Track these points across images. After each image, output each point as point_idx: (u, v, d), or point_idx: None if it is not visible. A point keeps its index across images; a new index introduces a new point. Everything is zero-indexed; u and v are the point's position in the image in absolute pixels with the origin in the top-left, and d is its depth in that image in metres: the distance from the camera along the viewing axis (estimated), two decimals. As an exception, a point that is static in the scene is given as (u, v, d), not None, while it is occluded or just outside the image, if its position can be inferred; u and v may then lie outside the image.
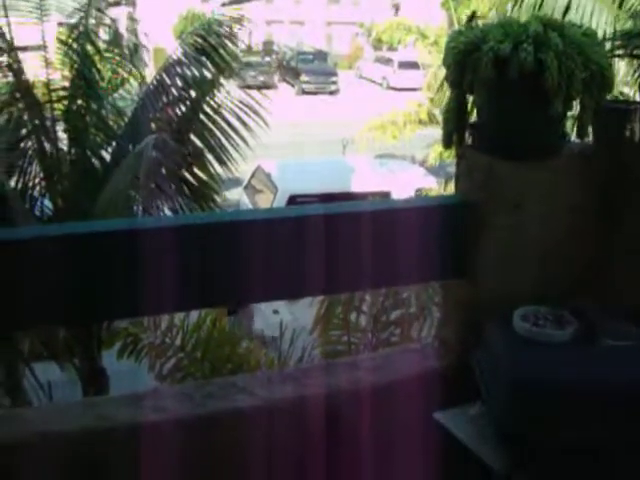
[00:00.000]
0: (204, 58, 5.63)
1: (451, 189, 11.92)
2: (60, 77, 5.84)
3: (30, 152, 5.68)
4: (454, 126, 1.97)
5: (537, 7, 6.52)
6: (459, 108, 1.97)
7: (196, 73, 5.64)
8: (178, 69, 5.64)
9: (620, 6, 6.63)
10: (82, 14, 5.88)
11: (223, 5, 5.31)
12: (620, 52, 2.78)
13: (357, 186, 13.85)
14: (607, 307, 1.96)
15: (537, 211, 2.00)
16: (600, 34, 6.07)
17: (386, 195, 13.83)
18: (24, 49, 5.67)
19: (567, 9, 6.44)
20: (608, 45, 2.72)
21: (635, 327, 1.86)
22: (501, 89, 1.83)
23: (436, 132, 11.77)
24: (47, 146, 5.69)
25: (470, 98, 1.98)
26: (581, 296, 2.01)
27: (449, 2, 22.22)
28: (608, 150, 2.16)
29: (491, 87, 1.86)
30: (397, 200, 9.27)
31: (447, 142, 2.01)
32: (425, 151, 15.87)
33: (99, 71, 5.95)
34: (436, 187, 13.73)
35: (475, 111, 1.97)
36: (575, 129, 2.15)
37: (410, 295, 5.46)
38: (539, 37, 1.82)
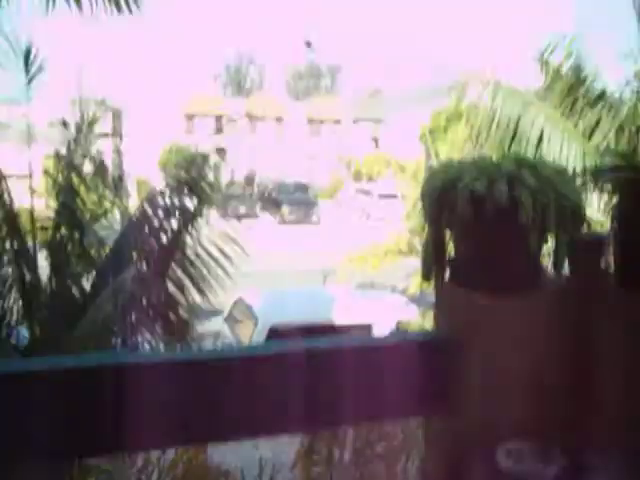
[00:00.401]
0: (187, 190, 5.72)
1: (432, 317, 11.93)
2: (45, 205, 5.91)
3: (10, 280, 5.66)
4: (433, 261, 2.00)
5: (510, 141, 6.78)
6: (437, 243, 2.01)
7: (178, 204, 5.72)
8: (161, 200, 5.72)
9: (589, 139, 6.92)
10: (69, 145, 6.02)
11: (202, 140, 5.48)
12: (590, 187, 2.87)
13: (338, 317, 13.81)
14: (597, 445, 1.92)
15: (518, 343, 1.99)
16: (570, 166, 6.33)
17: (367, 328, 13.77)
18: (10, 177, 5.76)
19: (539, 142, 6.69)
20: (579, 180, 2.82)
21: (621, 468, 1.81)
22: (477, 225, 1.88)
23: (416, 262, 11.89)
24: (27, 274, 5.68)
25: (448, 233, 2.02)
26: (571, 430, 1.97)
27: (426, 136, 23.11)
28: (585, 282, 2.18)
29: (468, 223, 1.90)
30: (378, 337, 9.24)
31: (427, 276, 2.03)
32: (406, 281, 15.97)
33: (83, 201, 6.03)
34: (418, 318, 13.73)
35: (453, 246, 2.01)
36: (551, 262, 2.18)
37: (395, 427, 5.33)
38: (513, 175, 1.88)
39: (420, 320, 13.56)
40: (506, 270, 1.96)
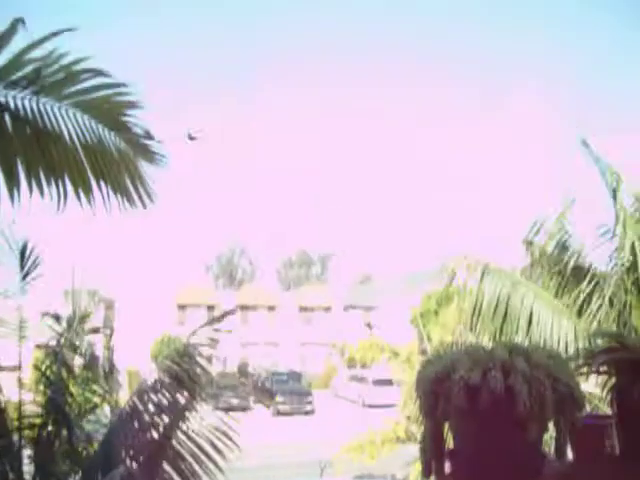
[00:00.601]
0: (178, 383, 5.65)
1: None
2: (32, 399, 5.80)
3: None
4: (432, 455, 1.95)
5: (501, 322, 6.80)
6: (435, 437, 1.97)
7: (170, 398, 5.62)
8: (152, 395, 5.63)
9: (579, 315, 6.95)
10: (59, 340, 6.01)
11: (196, 332, 5.49)
12: (585, 370, 2.85)
13: (336, 511, 13.21)
14: None
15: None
16: (562, 344, 6.31)
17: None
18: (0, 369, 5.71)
19: (530, 322, 6.71)
20: (573, 363, 2.81)
21: None
22: (474, 416, 1.85)
23: (415, 449, 11.54)
24: (10, 474, 5.47)
25: (446, 425, 1.98)
26: None
27: (417, 319, 23.22)
28: (589, 467, 2.12)
29: (464, 414, 1.87)
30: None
31: (427, 472, 1.97)
32: (405, 469, 15.42)
33: (72, 396, 5.93)
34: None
35: (452, 437, 1.97)
36: (553, 449, 2.13)
37: None
38: (506, 363, 1.88)
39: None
40: (507, 462, 1.90)
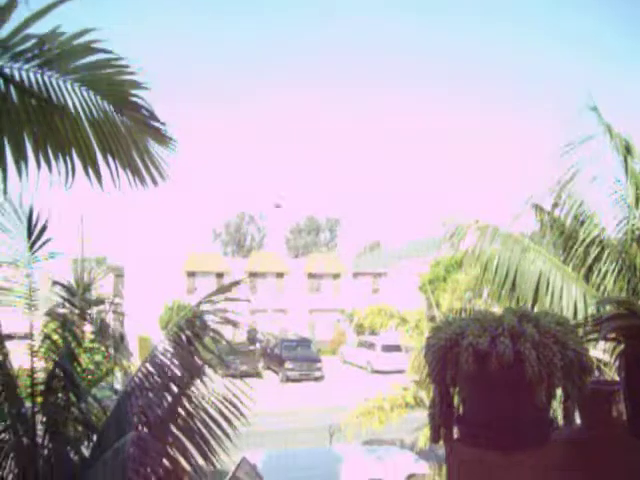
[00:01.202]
0: (188, 350, 5.69)
1: (444, 472, 11.55)
2: (44, 367, 5.85)
3: (6, 445, 5.51)
4: (440, 421, 1.96)
5: (510, 288, 6.80)
6: (444, 403, 1.98)
7: (180, 365, 5.67)
8: (162, 361, 5.67)
9: (587, 281, 6.94)
10: (68, 307, 6.05)
11: (209, 300, 5.52)
12: (594, 336, 2.85)
13: (346, 475, 13.35)
14: None
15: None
16: (571, 310, 6.32)
17: (376, 483, 13.31)
18: (10, 337, 5.74)
19: (538, 287, 6.70)
20: (582, 330, 2.81)
21: None
22: (483, 382, 1.86)
23: (423, 415, 11.64)
24: (24, 439, 5.54)
25: (454, 391, 1.99)
26: None
27: (426, 286, 23.24)
28: (596, 432, 2.13)
29: (473, 380, 1.88)
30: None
31: (435, 437, 1.98)
32: (414, 434, 15.57)
33: (81, 364, 5.98)
34: (429, 472, 13.29)
35: (460, 403, 1.97)
36: (561, 415, 2.14)
37: None
38: (515, 329, 1.88)
39: (431, 476, 13.11)
40: (515, 427, 1.91)
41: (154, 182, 4.36)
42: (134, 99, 4.09)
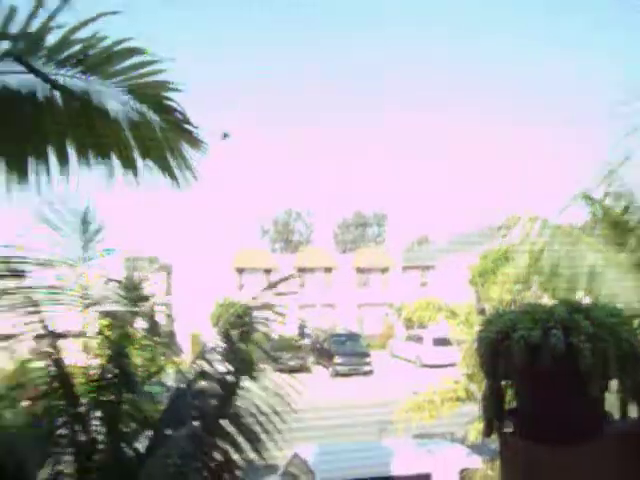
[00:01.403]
0: (238, 344, 5.74)
1: (497, 466, 11.43)
2: (98, 364, 5.96)
3: (64, 441, 5.64)
4: (493, 414, 1.95)
5: (561, 280, 6.69)
6: (496, 396, 1.96)
7: (231, 360, 5.73)
8: (214, 357, 5.74)
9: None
10: (122, 304, 6.16)
11: (254, 298, 5.59)
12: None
13: (397, 469, 13.33)
14: None
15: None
16: (625, 301, 6.19)
17: (426, 477, 13.27)
18: (64, 336, 5.86)
19: (591, 279, 6.58)
20: (637, 322, 2.76)
21: None
22: (535, 375, 1.84)
23: (475, 408, 11.56)
24: (81, 435, 5.66)
25: (506, 384, 1.97)
26: None
27: (476, 279, 23.01)
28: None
29: (525, 373, 1.86)
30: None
31: (487, 431, 1.97)
32: (465, 428, 15.46)
33: (136, 360, 6.08)
34: (482, 466, 13.19)
35: (514, 396, 1.96)
36: (616, 408, 2.10)
37: None
38: (567, 321, 1.85)
39: (483, 470, 13.00)
40: (569, 421, 1.88)
41: (186, 185, 4.42)
42: (169, 102, 4.15)
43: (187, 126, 4.28)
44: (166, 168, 4.30)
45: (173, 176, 4.34)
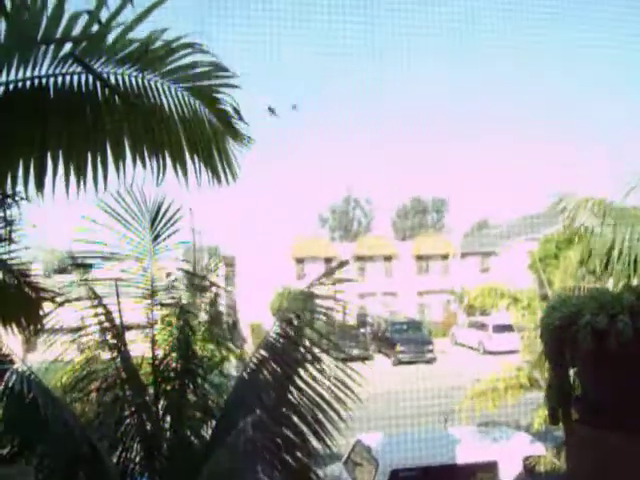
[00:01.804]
0: (300, 333, 5.77)
1: (562, 454, 11.25)
2: (162, 354, 6.07)
3: (132, 430, 5.78)
4: (558, 402, 1.92)
5: (627, 265, 6.52)
6: (561, 383, 1.93)
7: (293, 349, 5.76)
8: (275, 346, 5.78)
9: None
10: (186, 296, 6.26)
11: (317, 284, 5.61)
12: None
13: (461, 457, 13.25)
14: None
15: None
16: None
17: (493, 465, 13.16)
18: (131, 328, 5.99)
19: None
20: None
21: None
22: (602, 361, 1.80)
23: (539, 396, 11.39)
24: (148, 424, 5.79)
25: (571, 371, 1.94)
26: None
27: (537, 264, 22.62)
28: None
29: (591, 360, 1.83)
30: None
31: (553, 418, 1.94)
32: (529, 416, 15.26)
33: (199, 350, 6.17)
34: (545, 455, 13.02)
35: (579, 383, 1.92)
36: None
37: None
38: (634, 307, 1.81)
39: (548, 457, 12.83)
40: (636, 408, 1.84)
41: (227, 182, 4.46)
42: (221, 96, 4.19)
43: (237, 122, 4.32)
44: (211, 164, 4.35)
45: (216, 173, 4.38)
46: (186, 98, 4.12)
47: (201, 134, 4.26)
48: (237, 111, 4.24)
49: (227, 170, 4.43)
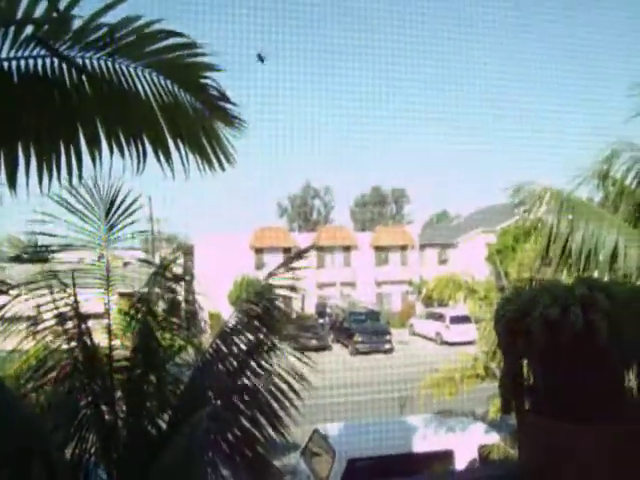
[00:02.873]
0: (257, 323, 5.77)
1: (515, 443, 11.47)
2: (120, 344, 6.02)
3: (88, 421, 5.71)
4: (511, 392, 1.95)
5: (580, 257, 6.63)
6: (514, 374, 1.96)
7: (250, 339, 5.76)
8: (232, 336, 5.78)
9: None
10: (143, 286, 6.20)
11: (274, 272, 5.62)
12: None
13: (418, 446, 13.40)
14: None
15: (606, 471, 1.89)
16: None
17: (449, 454, 13.33)
18: (88, 317, 5.92)
19: (612, 256, 6.53)
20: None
21: None
22: (554, 352, 1.83)
23: (494, 385, 11.56)
24: (106, 415, 5.74)
25: (525, 362, 1.97)
26: None
27: (494, 256, 22.91)
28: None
29: (544, 351, 1.86)
30: (463, 471, 8.92)
31: (506, 409, 1.97)
32: (485, 406, 15.51)
33: (158, 340, 6.13)
34: (500, 443, 13.25)
35: (532, 374, 1.96)
36: (636, 387, 2.09)
37: None
38: (586, 299, 1.84)
39: (502, 446, 13.06)
40: (587, 397, 1.88)
41: (221, 166, 4.41)
42: (204, 81, 4.14)
43: (224, 104, 4.27)
44: (199, 150, 4.30)
45: (207, 158, 4.34)
46: (162, 83, 4.06)
47: (184, 119, 4.20)
48: (222, 93, 4.20)
49: (220, 155, 4.38)
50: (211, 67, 4.10)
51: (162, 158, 4.15)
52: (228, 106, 4.29)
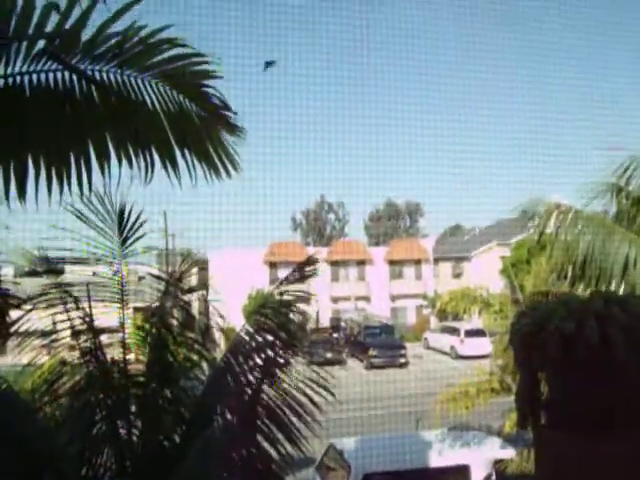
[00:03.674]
0: (271, 337, 5.75)
1: (531, 458, 11.35)
2: (134, 358, 6.02)
3: (103, 434, 5.71)
4: (527, 407, 1.93)
5: (596, 270, 6.59)
6: (530, 388, 1.95)
7: (263, 352, 5.74)
8: (245, 350, 5.76)
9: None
10: (158, 300, 6.21)
11: (286, 283, 5.61)
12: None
13: (433, 461, 13.30)
14: None
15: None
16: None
17: (464, 469, 13.23)
18: (102, 332, 5.93)
19: (625, 269, 6.49)
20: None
21: None
22: (570, 366, 1.82)
23: (510, 400, 11.47)
24: (121, 430, 5.74)
25: (541, 376, 1.96)
26: None
27: (509, 269, 22.78)
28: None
29: (560, 365, 1.84)
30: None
31: (522, 424, 1.96)
32: (500, 420, 15.39)
33: (173, 355, 6.13)
34: (516, 458, 13.12)
35: (547, 388, 1.94)
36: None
37: None
38: (602, 312, 1.83)
39: (517, 461, 12.94)
40: (605, 412, 1.86)
41: (228, 174, 4.43)
42: (205, 89, 4.16)
43: (224, 112, 4.28)
44: (206, 158, 4.32)
45: (213, 166, 4.35)
46: (168, 92, 4.08)
47: (190, 128, 4.22)
48: (224, 102, 4.21)
49: (226, 162, 4.40)
50: (212, 75, 4.13)
51: (169, 167, 4.17)
52: (229, 114, 4.31)
